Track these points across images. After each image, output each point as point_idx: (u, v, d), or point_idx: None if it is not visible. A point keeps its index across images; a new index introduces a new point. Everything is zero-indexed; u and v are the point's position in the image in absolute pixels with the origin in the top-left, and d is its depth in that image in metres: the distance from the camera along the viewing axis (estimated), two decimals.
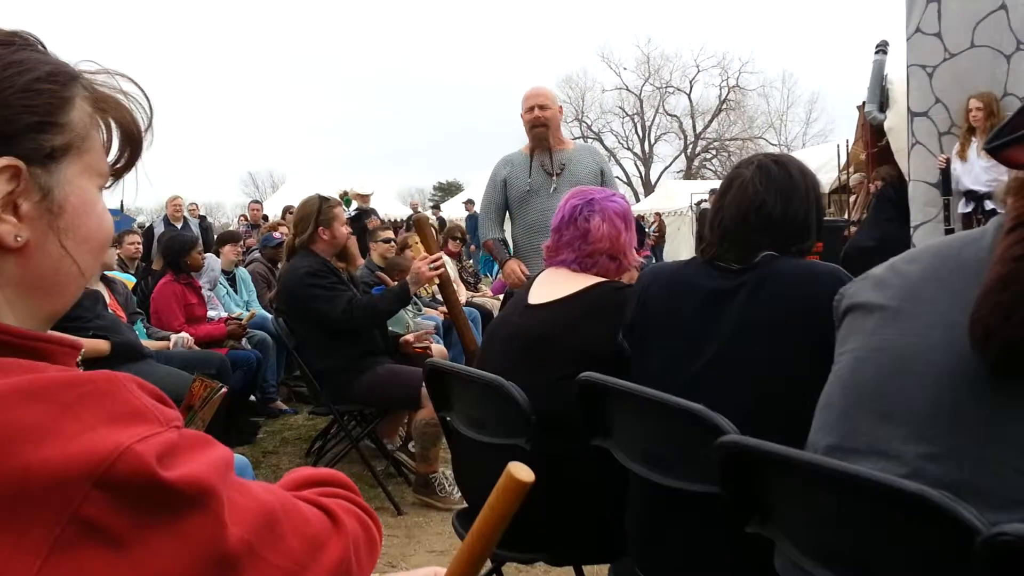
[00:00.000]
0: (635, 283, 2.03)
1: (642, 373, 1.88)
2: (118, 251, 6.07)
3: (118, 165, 0.80)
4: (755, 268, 1.77)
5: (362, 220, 8.63)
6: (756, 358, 1.70)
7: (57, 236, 0.72)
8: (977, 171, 5.48)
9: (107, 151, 0.79)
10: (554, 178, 4.05)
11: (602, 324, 2.14)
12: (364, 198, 10.15)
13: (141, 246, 6.50)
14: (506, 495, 0.78)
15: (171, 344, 4.56)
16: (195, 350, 4.65)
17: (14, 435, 0.59)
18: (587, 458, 1.92)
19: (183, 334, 4.67)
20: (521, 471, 0.77)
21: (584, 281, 2.25)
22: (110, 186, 0.81)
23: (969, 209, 5.64)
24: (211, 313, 5.43)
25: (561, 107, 3.85)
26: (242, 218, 13.36)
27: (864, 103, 7.85)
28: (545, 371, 2.10)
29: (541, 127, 4.03)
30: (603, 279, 2.27)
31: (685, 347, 1.79)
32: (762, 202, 1.80)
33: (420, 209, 12.10)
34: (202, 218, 11.36)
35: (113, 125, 0.78)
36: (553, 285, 2.29)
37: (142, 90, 0.81)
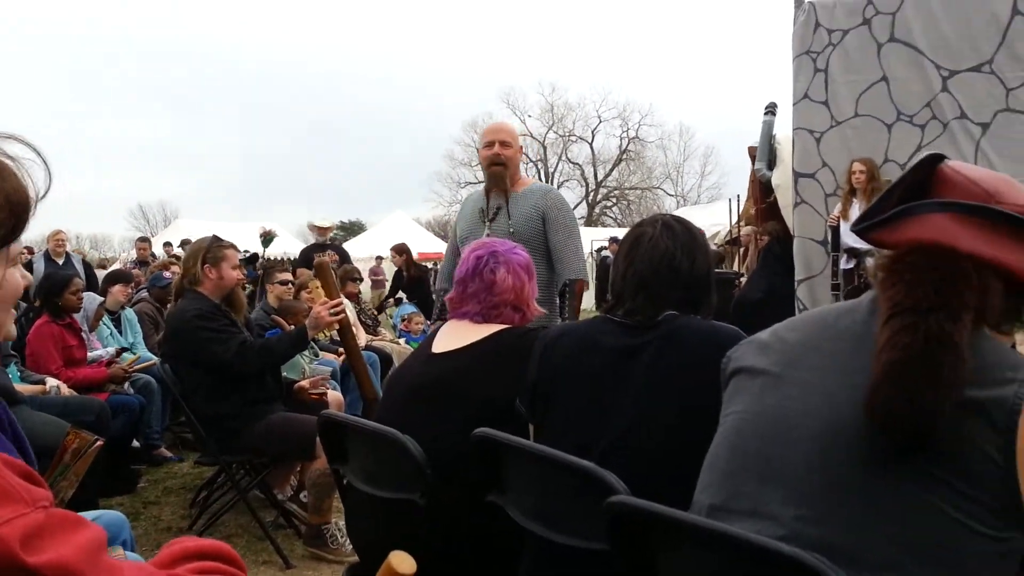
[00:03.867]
0: (536, 344, 2.05)
1: (548, 433, 1.90)
2: None
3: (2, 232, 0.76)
4: (658, 327, 1.82)
5: (257, 260, 8.47)
6: (663, 416, 1.74)
7: None
8: None
9: None
10: (487, 224, 3.64)
11: (507, 371, 2.15)
12: (324, 231, 9.90)
13: None
14: None
15: (46, 389, 4.32)
16: (73, 395, 4.42)
17: None
18: (485, 512, 1.91)
19: (57, 383, 4.43)
20: (403, 562, 0.77)
21: (488, 329, 2.26)
22: None
23: (851, 266, 5.94)
24: (95, 353, 5.20)
25: (522, 147, 3.52)
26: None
27: (754, 152, 8.22)
28: (449, 421, 2.09)
29: (497, 166, 3.59)
30: (507, 326, 2.29)
31: (593, 405, 1.82)
32: (672, 256, 1.87)
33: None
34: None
35: None
36: (456, 335, 2.29)
37: (39, 154, 0.77)
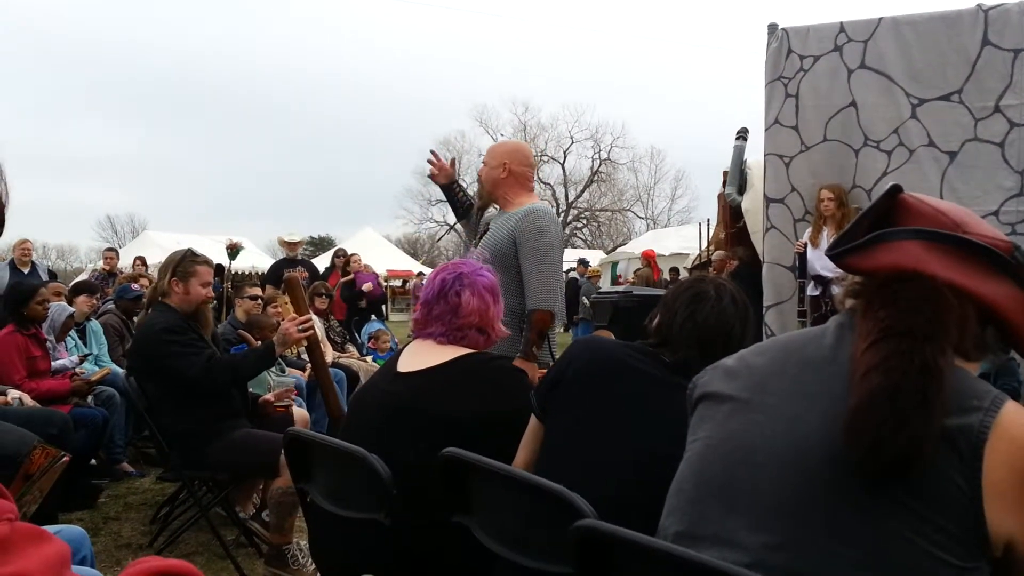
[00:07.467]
0: (568, 348, 2.04)
1: (555, 429, 1.91)
2: None
3: None
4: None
5: (223, 272, 8.38)
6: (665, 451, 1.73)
7: None
8: (827, 258, 5.83)
9: None
10: (472, 242, 3.61)
11: (470, 394, 2.15)
12: (292, 246, 9.81)
13: None
14: None
15: (8, 400, 4.23)
16: (36, 407, 4.33)
17: None
18: (451, 532, 1.90)
19: (19, 394, 4.34)
20: None
21: (453, 352, 2.25)
22: None
23: (817, 293, 6.00)
24: (60, 362, 5.11)
25: (506, 165, 3.41)
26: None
27: (724, 191, 8.30)
28: (413, 440, 2.08)
29: (479, 182, 3.60)
30: (472, 350, 2.28)
31: (602, 419, 1.83)
32: (732, 326, 1.92)
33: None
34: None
35: None
36: (421, 355, 2.28)
37: None
